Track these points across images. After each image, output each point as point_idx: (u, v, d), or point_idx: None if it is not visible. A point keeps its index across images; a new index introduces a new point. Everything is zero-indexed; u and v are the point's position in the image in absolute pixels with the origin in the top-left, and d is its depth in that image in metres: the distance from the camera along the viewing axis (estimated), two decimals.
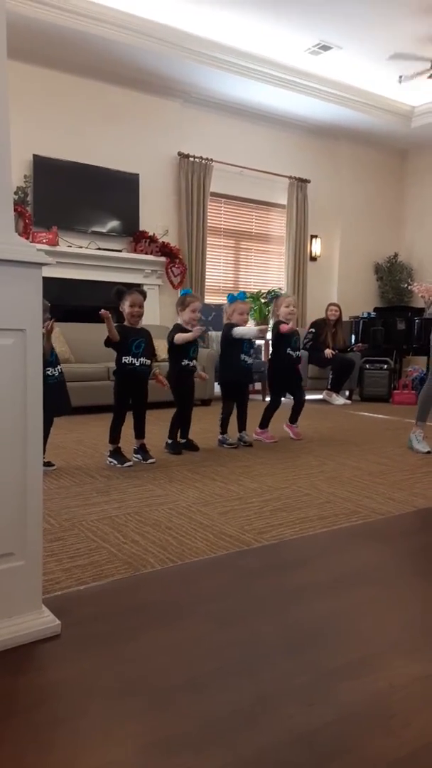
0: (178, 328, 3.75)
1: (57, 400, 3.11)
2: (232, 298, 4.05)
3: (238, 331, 3.93)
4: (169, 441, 3.79)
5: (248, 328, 4.00)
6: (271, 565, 2.07)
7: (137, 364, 3.42)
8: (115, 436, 3.43)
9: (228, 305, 4.07)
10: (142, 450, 3.51)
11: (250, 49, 6.04)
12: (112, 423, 3.44)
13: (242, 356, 3.96)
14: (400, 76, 6.45)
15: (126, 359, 3.40)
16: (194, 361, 3.79)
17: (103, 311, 3.25)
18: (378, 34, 5.68)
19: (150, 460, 3.47)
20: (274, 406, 4.29)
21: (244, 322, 4.07)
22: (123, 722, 1.22)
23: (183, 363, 3.74)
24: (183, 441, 3.85)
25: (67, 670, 1.41)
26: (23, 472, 1.51)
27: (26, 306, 1.48)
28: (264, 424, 4.26)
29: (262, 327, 4.24)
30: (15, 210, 5.38)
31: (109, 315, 3.29)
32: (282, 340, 4.22)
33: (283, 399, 4.33)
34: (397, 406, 6.46)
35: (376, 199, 8.38)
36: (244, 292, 4.30)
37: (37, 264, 1.49)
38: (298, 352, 4.32)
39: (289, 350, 4.22)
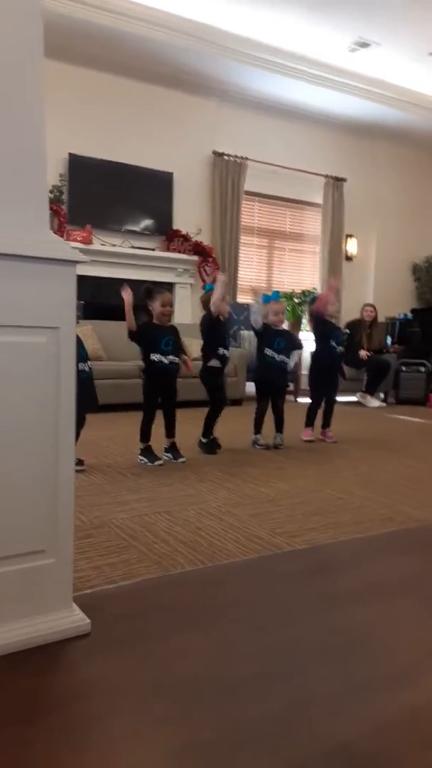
0: (208, 317, 3.74)
1: (86, 395, 3.11)
2: (266, 299, 4.01)
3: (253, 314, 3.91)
4: (203, 440, 3.76)
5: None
6: (304, 570, 2.03)
7: (166, 362, 3.40)
8: (145, 435, 3.43)
9: (263, 306, 4.03)
10: (172, 449, 3.50)
11: (289, 47, 5.97)
12: (142, 421, 3.44)
13: (266, 350, 3.90)
14: None
15: (155, 357, 3.39)
16: (218, 361, 3.77)
17: (123, 287, 3.25)
18: (417, 29, 5.55)
19: (180, 459, 3.46)
20: (316, 404, 4.21)
21: (280, 323, 4.03)
22: (154, 724, 1.20)
23: (209, 364, 3.75)
24: (205, 440, 3.82)
25: (98, 669, 1.40)
26: (55, 469, 1.50)
27: (60, 304, 1.48)
28: (309, 422, 4.20)
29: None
30: (50, 208, 5.43)
31: (130, 293, 3.28)
32: (325, 331, 4.13)
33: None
34: None
35: (414, 198, 8.21)
36: (278, 292, 4.25)
37: (71, 262, 1.48)
38: (341, 348, 4.23)
39: (333, 343, 4.14)
